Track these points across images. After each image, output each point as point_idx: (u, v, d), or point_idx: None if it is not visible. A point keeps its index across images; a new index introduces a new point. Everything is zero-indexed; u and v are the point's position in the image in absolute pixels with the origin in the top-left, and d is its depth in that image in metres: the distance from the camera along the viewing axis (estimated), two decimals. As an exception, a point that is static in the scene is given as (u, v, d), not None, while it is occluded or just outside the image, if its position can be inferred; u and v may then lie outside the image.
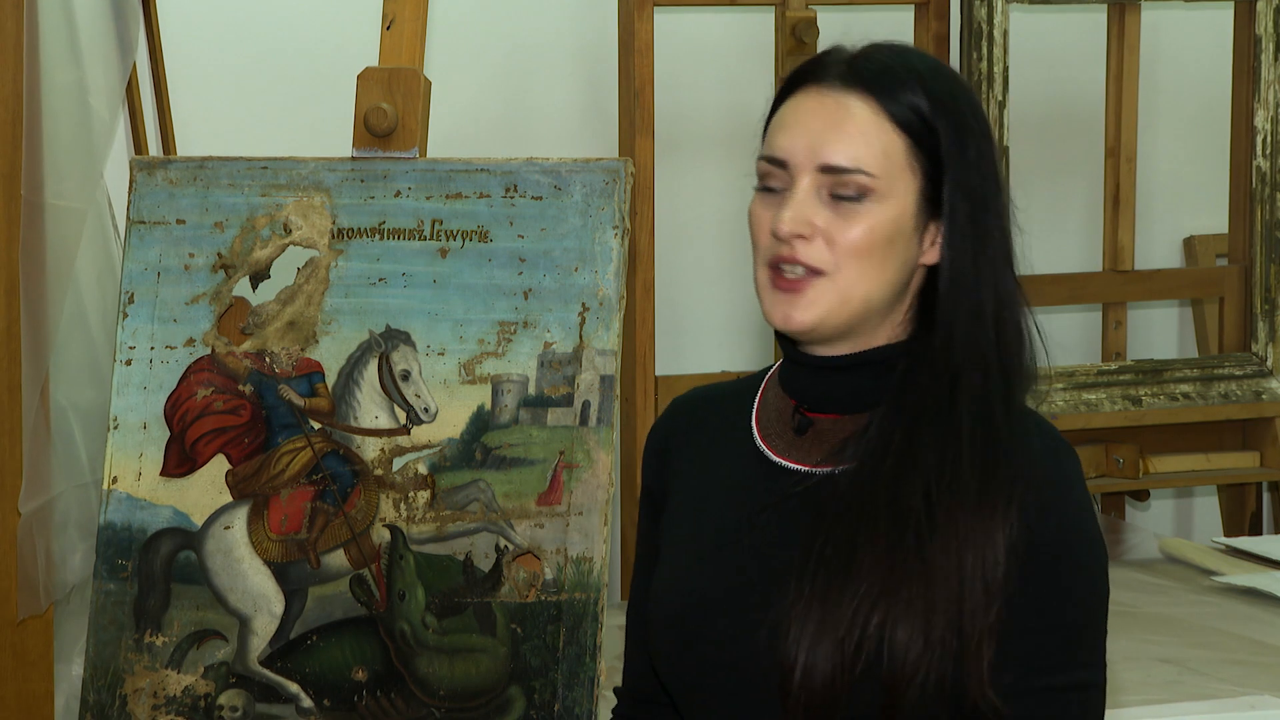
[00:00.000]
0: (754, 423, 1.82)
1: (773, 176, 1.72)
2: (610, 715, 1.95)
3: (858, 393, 1.74)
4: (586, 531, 2.41)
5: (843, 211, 1.69)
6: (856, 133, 1.69)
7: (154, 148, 3.26)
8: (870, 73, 1.70)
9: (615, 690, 1.94)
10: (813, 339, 1.73)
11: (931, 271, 1.73)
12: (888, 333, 1.74)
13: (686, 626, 1.76)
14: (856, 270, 1.69)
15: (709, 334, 3.68)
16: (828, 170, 1.69)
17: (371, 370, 2.51)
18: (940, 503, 1.65)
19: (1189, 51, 3.91)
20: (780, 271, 1.70)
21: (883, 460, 1.69)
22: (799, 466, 1.76)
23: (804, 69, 1.74)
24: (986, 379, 1.69)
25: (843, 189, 1.69)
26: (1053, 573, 1.67)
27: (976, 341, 1.70)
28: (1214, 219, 3.80)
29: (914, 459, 1.67)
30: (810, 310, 1.70)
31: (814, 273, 1.69)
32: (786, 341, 1.77)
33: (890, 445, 1.69)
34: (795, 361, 1.77)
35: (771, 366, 1.84)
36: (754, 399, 1.83)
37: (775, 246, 1.70)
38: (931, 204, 1.71)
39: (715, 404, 1.87)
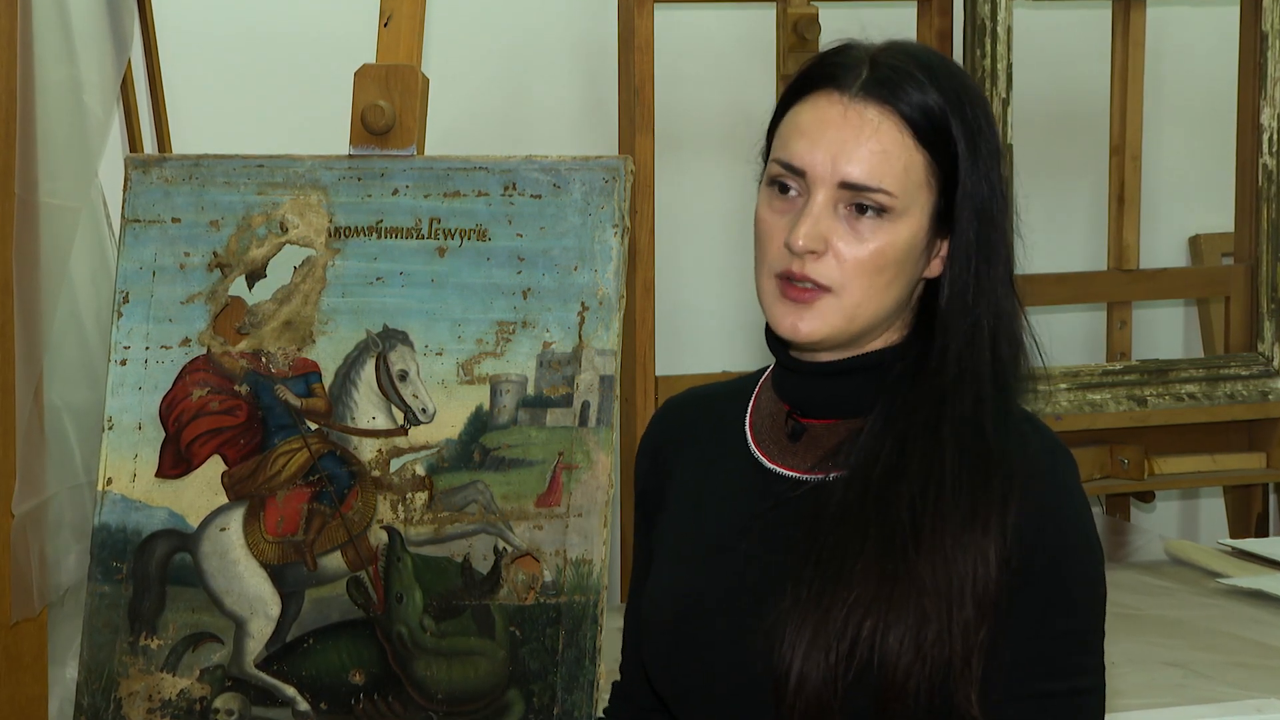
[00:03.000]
0: (747, 427, 1.81)
1: (786, 178, 1.70)
2: (602, 713, 1.95)
3: (851, 398, 1.73)
4: (586, 533, 2.40)
5: (858, 229, 1.67)
6: (880, 149, 1.67)
7: (149, 146, 3.25)
8: (893, 82, 1.68)
9: (613, 684, 1.93)
10: (818, 349, 1.72)
11: (930, 280, 1.73)
12: (883, 338, 1.73)
13: (680, 632, 1.75)
14: (863, 289, 1.68)
15: (709, 334, 3.67)
16: (848, 186, 1.67)
17: (369, 370, 2.50)
18: (926, 516, 1.64)
19: (1194, 48, 3.89)
20: (790, 282, 1.68)
21: (873, 469, 1.67)
22: (792, 473, 1.75)
23: (823, 70, 1.71)
24: (979, 396, 1.68)
25: (860, 203, 1.67)
26: (1050, 578, 1.66)
27: (972, 358, 1.69)
28: (1220, 217, 3.79)
29: (903, 470, 1.66)
30: (818, 323, 1.68)
31: (822, 289, 1.68)
32: (778, 346, 1.76)
33: (880, 454, 1.68)
34: (788, 367, 1.76)
35: (766, 368, 1.83)
36: (748, 402, 1.82)
37: (786, 259, 1.68)
38: (941, 219, 1.70)
39: (709, 406, 1.86)
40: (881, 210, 1.67)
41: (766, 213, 1.71)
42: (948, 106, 1.68)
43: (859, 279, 1.67)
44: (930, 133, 1.67)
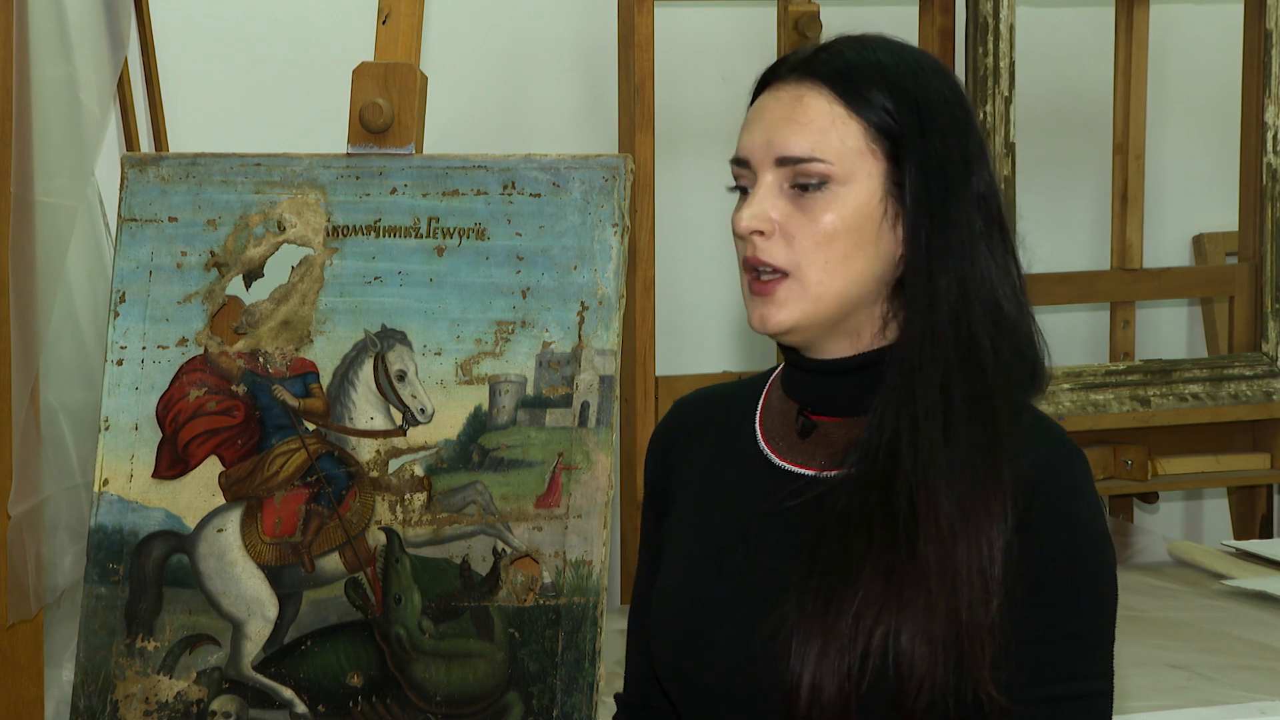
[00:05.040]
0: (758, 426, 1.80)
1: (741, 177, 1.72)
2: (609, 722, 1.93)
3: (859, 394, 1.72)
4: (585, 534, 2.39)
5: (804, 204, 1.68)
6: (809, 121, 1.68)
7: (146, 144, 3.24)
8: (825, 63, 1.70)
9: (616, 697, 1.92)
10: (796, 340, 1.72)
11: None
12: (886, 333, 1.72)
13: (690, 631, 1.74)
14: (820, 265, 1.67)
15: (709, 334, 3.65)
16: (784, 162, 1.68)
17: (367, 370, 2.49)
18: (921, 503, 1.63)
19: (1198, 47, 3.88)
20: (757, 275, 1.69)
21: (873, 465, 1.66)
22: (803, 470, 1.74)
23: (767, 71, 1.75)
24: (947, 374, 1.66)
25: (802, 179, 1.67)
26: (1062, 579, 1.65)
27: (934, 335, 1.67)
28: (1224, 217, 3.78)
29: (898, 461, 1.65)
30: (784, 310, 1.68)
31: (780, 273, 1.68)
32: (787, 345, 1.75)
33: (878, 449, 1.67)
34: (796, 365, 1.76)
35: (776, 368, 1.83)
36: (758, 401, 1.81)
37: (742, 248, 1.70)
38: (900, 189, 1.68)
39: (719, 405, 1.86)
40: (823, 180, 1.67)
41: (734, 212, 1.73)
42: (887, 82, 1.68)
43: (812, 254, 1.67)
44: (861, 101, 1.68)
